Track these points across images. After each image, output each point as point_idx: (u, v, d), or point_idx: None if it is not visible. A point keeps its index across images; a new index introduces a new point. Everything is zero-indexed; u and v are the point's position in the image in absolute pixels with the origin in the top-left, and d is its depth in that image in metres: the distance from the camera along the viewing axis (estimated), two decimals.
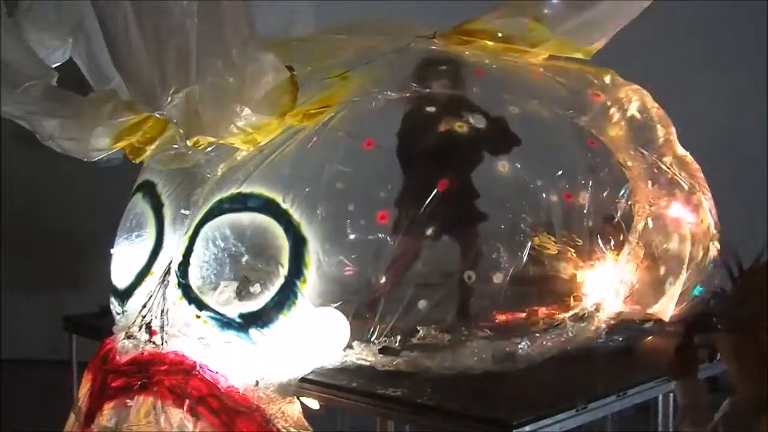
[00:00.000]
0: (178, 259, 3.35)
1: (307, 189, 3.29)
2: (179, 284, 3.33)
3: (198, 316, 3.29)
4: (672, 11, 5.27)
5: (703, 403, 2.32)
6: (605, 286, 3.47)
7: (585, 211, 3.49)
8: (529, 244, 3.39)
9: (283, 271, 3.21)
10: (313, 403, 3.26)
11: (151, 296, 3.39)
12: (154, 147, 3.65)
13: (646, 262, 3.54)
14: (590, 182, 3.49)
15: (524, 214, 3.45)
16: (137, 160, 3.74)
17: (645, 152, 3.73)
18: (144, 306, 3.40)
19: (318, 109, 3.38)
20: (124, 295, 3.54)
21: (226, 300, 3.25)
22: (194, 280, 3.32)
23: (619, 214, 3.53)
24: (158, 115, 3.33)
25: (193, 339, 3.26)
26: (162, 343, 3.29)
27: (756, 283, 2.03)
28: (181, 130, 3.19)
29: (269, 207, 3.27)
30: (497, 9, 3.80)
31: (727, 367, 2.09)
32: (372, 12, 4.31)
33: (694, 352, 2.40)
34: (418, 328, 3.34)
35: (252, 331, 3.21)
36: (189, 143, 3.23)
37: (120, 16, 2.94)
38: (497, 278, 3.39)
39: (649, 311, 3.60)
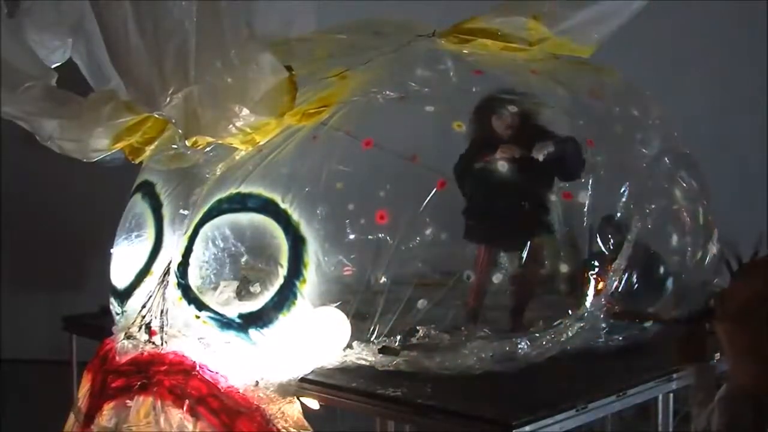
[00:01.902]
0: (178, 259, 3.36)
1: (307, 189, 3.29)
2: (179, 284, 3.33)
3: (197, 317, 3.29)
4: (671, 10, 5.27)
5: (710, 386, 2.42)
6: (604, 286, 3.46)
7: (585, 210, 3.49)
8: (529, 244, 3.39)
9: (282, 271, 3.21)
10: (313, 403, 3.26)
11: (150, 296, 3.39)
12: (153, 147, 3.65)
13: (646, 262, 3.54)
14: (590, 181, 3.48)
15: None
16: (137, 161, 3.74)
17: (645, 151, 3.73)
18: (143, 306, 3.40)
19: (317, 109, 3.38)
20: (124, 296, 3.54)
21: (225, 300, 3.25)
22: (194, 280, 3.32)
23: (618, 214, 3.53)
24: (157, 116, 3.33)
25: (192, 339, 3.26)
26: (162, 344, 3.29)
27: (748, 277, 2.16)
28: (180, 131, 3.19)
29: (268, 207, 3.27)
30: (497, 8, 3.80)
31: (725, 353, 2.19)
32: (372, 12, 4.30)
33: (702, 339, 2.53)
34: (417, 327, 3.34)
35: (252, 331, 3.21)
36: (188, 143, 3.24)
37: (119, 16, 2.95)
38: (497, 278, 3.39)
39: (649, 311, 3.60)
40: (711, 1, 5.94)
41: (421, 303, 3.33)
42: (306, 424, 3.18)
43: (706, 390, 2.41)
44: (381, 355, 3.24)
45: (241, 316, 3.23)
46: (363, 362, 3.23)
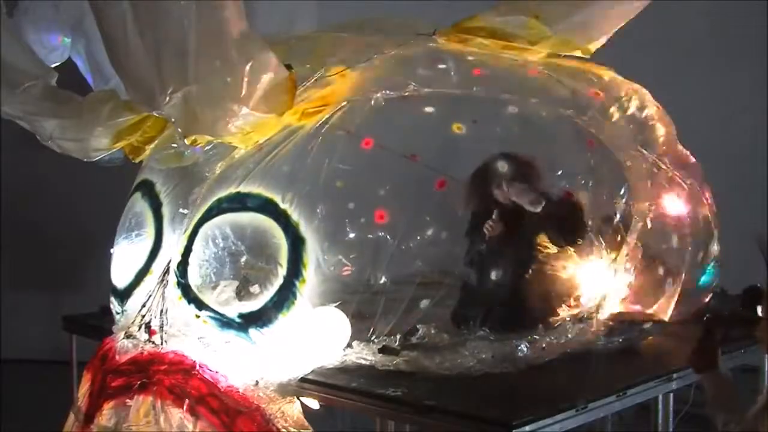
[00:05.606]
0: (177, 258, 3.35)
1: (306, 188, 3.29)
2: (178, 284, 3.32)
3: (197, 316, 3.28)
4: (672, 10, 5.27)
5: (732, 391, 2.42)
6: (604, 287, 3.46)
7: (584, 211, 3.49)
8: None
9: (282, 271, 3.20)
10: (313, 403, 3.25)
11: (150, 296, 3.39)
12: (153, 146, 3.65)
13: (645, 262, 3.54)
14: (590, 182, 3.49)
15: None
16: (136, 160, 3.73)
17: (645, 151, 3.73)
18: (143, 305, 3.39)
19: (317, 108, 3.37)
20: (124, 295, 3.54)
21: (225, 300, 3.25)
22: (194, 279, 3.31)
23: (618, 214, 3.53)
24: (157, 115, 3.33)
25: (192, 339, 3.26)
26: (161, 343, 3.28)
27: None
28: (180, 130, 3.18)
29: (268, 207, 3.26)
30: (497, 7, 3.80)
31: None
32: (372, 12, 4.30)
33: (717, 347, 2.54)
34: (417, 327, 3.34)
35: (251, 330, 3.21)
36: (187, 142, 3.23)
37: (118, 16, 2.94)
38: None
39: (649, 311, 3.60)
40: (711, 1, 5.95)
41: (423, 303, 3.33)
42: (306, 423, 3.17)
43: (730, 396, 2.41)
44: (381, 354, 3.24)
45: (241, 315, 3.23)
46: (363, 362, 3.23)
